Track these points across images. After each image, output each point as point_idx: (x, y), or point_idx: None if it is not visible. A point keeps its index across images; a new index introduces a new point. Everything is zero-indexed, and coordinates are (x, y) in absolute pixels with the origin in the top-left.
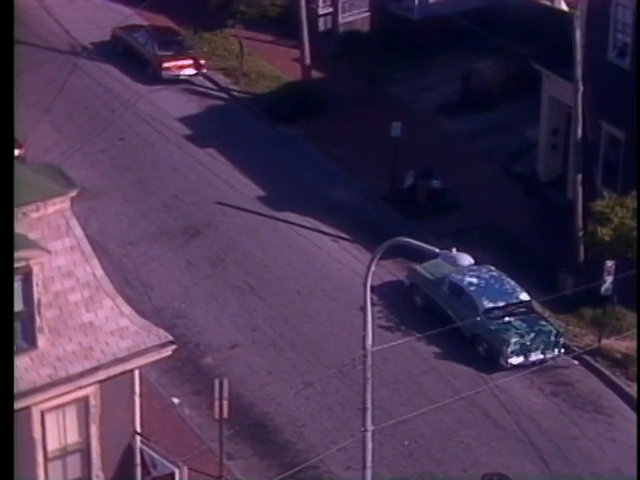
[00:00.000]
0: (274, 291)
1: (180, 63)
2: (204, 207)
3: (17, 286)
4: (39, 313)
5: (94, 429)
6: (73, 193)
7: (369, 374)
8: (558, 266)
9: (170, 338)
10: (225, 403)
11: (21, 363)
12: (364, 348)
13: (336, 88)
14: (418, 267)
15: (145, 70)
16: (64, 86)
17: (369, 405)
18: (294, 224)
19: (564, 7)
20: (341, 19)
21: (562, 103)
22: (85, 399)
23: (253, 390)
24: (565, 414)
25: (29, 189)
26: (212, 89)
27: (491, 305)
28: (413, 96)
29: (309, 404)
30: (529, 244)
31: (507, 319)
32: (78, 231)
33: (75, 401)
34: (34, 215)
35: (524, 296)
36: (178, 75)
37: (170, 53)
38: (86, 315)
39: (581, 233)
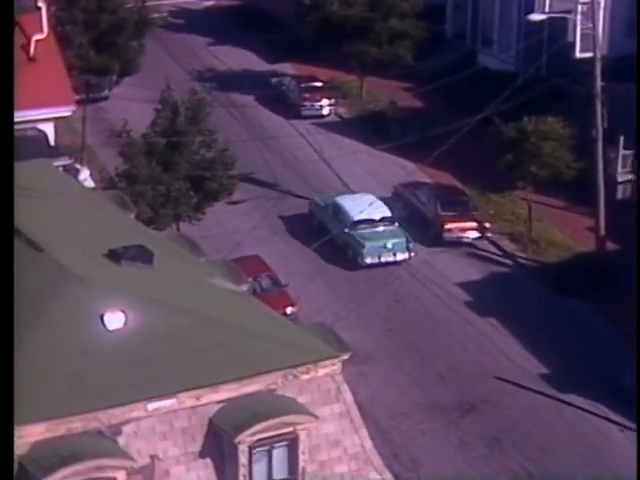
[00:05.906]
0: (553, 478)
1: (463, 225)
2: (482, 381)
3: (282, 452)
4: None
5: None
6: (345, 356)
7: None
8: None
9: None
10: None
11: None
12: None
13: (634, 262)
14: (315, 198)
15: (425, 230)
16: None
17: None
18: (579, 408)
19: None
20: None
21: None
22: None
23: None
24: None
25: (300, 350)
26: (496, 254)
27: (357, 218)
28: None
29: None
30: None
31: (369, 230)
32: (348, 397)
33: None
34: (304, 377)
35: (387, 212)
36: (460, 238)
37: (453, 214)
38: None
39: None
